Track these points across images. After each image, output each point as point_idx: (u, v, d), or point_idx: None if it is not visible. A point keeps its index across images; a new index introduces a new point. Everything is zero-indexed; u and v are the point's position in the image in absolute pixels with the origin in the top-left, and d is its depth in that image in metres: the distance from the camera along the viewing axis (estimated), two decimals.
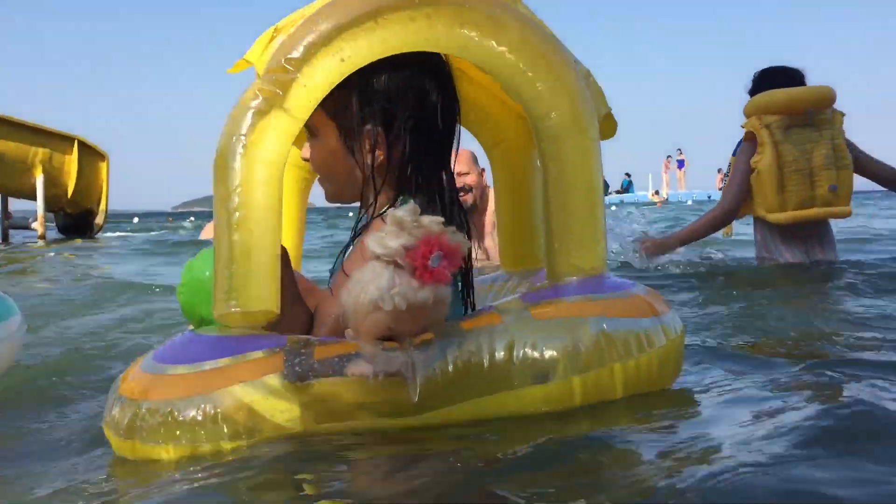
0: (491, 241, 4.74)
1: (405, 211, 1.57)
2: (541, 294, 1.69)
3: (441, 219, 1.57)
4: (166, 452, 1.49)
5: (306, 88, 1.65)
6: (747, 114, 4.67)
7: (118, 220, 30.33)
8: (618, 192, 38.25)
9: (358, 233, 1.83)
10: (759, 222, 4.79)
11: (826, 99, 4.52)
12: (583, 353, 1.59)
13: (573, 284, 1.70)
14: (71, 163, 13.61)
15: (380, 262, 1.57)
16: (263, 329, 1.64)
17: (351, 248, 1.83)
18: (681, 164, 38.23)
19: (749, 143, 4.64)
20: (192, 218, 36.53)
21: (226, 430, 1.49)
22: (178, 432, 1.49)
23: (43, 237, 13.34)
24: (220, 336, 1.60)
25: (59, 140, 13.61)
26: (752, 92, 4.75)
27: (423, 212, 1.56)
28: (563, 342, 1.59)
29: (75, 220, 14.34)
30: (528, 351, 1.59)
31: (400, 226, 1.56)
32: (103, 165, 14.30)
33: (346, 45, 1.66)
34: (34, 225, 13.68)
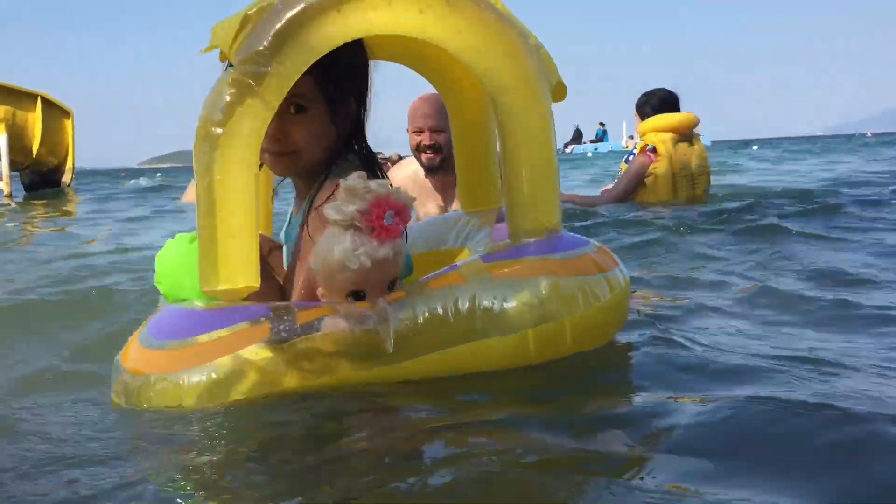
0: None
1: (354, 179, 1.75)
2: (500, 255, 1.88)
3: (387, 181, 1.77)
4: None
5: (277, 77, 1.79)
6: (643, 131, 6.37)
7: (84, 178, 29.80)
8: (592, 140, 38.87)
9: (310, 203, 1.98)
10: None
11: (696, 121, 6.35)
12: (536, 308, 1.78)
13: (530, 245, 1.88)
14: (35, 120, 13.38)
15: (339, 227, 1.75)
16: (245, 300, 1.81)
17: (308, 214, 1.99)
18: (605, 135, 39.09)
19: (644, 154, 6.32)
20: (160, 174, 36.08)
21: (222, 391, 1.67)
22: (184, 396, 1.68)
23: (9, 196, 13.21)
24: (209, 310, 1.77)
25: (22, 97, 13.33)
26: (640, 107, 6.50)
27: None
28: (519, 299, 1.78)
29: (42, 177, 14.17)
30: (488, 304, 1.78)
31: (352, 193, 1.74)
32: (68, 122, 14.04)
33: (312, 34, 1.80)
34: None
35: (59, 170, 14.31)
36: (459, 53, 1.89)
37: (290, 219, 2.11)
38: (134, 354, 1.80)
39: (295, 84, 1.80)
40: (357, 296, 1.82)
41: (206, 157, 1.78)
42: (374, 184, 1.75)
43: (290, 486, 1.39)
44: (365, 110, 2.08)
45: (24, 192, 14.29)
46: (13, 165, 13.67)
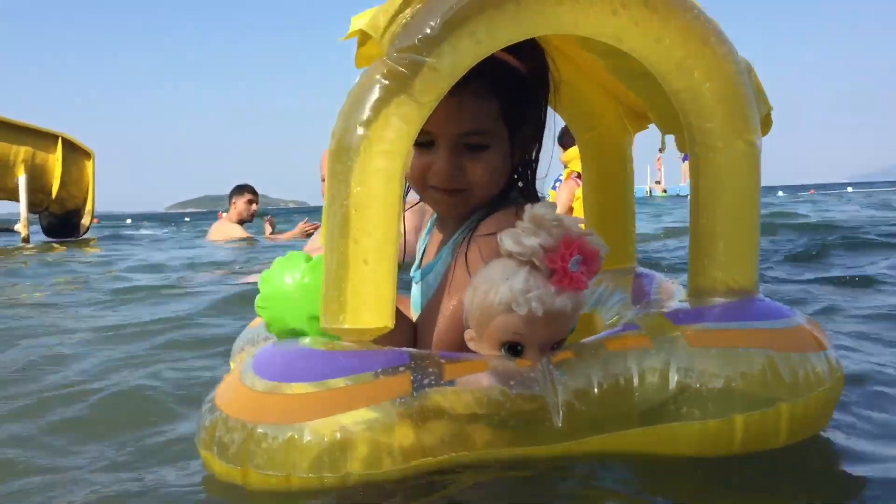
0: None
1: (544, 207, 1.43)
2: (691, 315, 1.49)
3: (582, 219, 1.43)
4: (287, 481, 1.27)
5: (437, 73, 1.45)
6: (567, 160, 6.66)
7: (109, 222, 29.66)
8: None
9: (471, 232, 1.64)
10: None
11: None
12: (748, 389, 1.39)
13: (728, 307, 1.51)
14: (55, 161, 13.11)
15: (513, 261, 1.42)
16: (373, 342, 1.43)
17: (463, 245, 1.64)
18: (686, 158, 38.25)
19: (571, 180, 6.73)
20: (188, 218, 36.07)
21: (350, 459, 1.26)
22: (299, 460, 1.26)
23: (27, 240, 12.93)
24: (337, 351, 1.38)
25: (43, 138, 13.13)
26: (561, 139, 6.53)
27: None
28: (725, 374, 1.39)
29: (60, 220, 13.92)
30: (685, 381, 1.39)
31: (539, 223, 1.41)
32: (89, 164, 13.84)
33: (483, 26, 1.46)
34: (17, 227, 13.23)
35: (78, 213, 14.03)
36: (656, 66, 1.55)
37: (422, 253, 1.74)
38: (234, 394, 1.39)
39: (475, 116, 1.53)
40: (514, 350, 1.45)
41: (341, 163, 1.43)
42: (567, 219, 1.42)
43: None
44: (540, 139, 1.74)
45: (43, 236, 13.99)
46: (32, 208, 13.42)
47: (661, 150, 2.07)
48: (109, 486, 1.51)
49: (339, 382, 1.31)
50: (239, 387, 1.38)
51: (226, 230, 9.20)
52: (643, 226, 9.87)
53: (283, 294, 1.51)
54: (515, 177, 1.74)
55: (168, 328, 3.32)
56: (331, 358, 1.36)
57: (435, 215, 1.84)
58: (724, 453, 1.40)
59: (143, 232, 17.43)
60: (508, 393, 1.35)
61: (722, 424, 1.38)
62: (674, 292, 2.01)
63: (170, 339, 3.05)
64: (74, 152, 13.58)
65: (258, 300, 1.54)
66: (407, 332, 1.57)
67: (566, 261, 1.40)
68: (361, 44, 1.65)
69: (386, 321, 1.41)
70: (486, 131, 1.62)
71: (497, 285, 1.42)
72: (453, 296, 1.57)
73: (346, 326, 1.39)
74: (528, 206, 1.45)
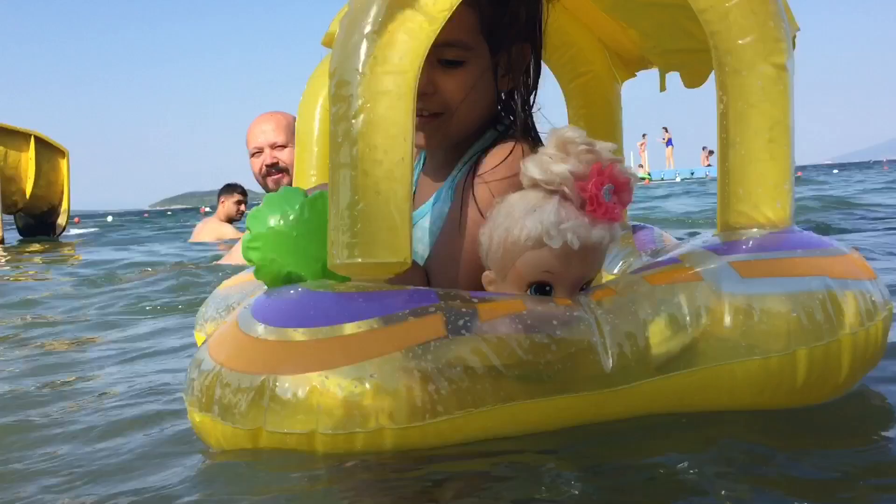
0: None
1: (573, 131, 1.28)
2: (735, 247, 1.35)
3: (614, 145, 1.30)
4: (308, 441, 1.06)
5: None
6: None
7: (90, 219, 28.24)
8: None
9: (473, 166, 1.47)
10: None
11: None
12: (809, 321, 1.25)
13: (772, 237, 1.37)
14: (28, 161, 12.65)
15: (538, 192, 1.27)
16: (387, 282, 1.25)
17: (458, 180, 1.48)
18: (669, 142, 37.80)
19: None
20: (169, 212, 33.83)
21: (383, 412, 1.07)
22: (324, 415, 1.06)
23: (1, 241, 12.42)
24: (354, 293, 1.19)
25: (14, 137, 12.72)
26: None
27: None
28: (784, 306, 1.25)
29: (36, 220, 13.41)
30: (742, 317, 1.24)
31: (567, 147, 1.26)
32: (63, 162, 13.51)
33: None
34: None
35: (54, 212, 13.62)
36: None
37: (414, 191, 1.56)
38: (232, 344, 1.18)
39: (449, 27, 1.30)
40: (542, 291, 1.29)
41: (346, 86, 1.24)
42: (599, 144, 1.27)
43: None
44: (538, 63, 1.56)
45: (18, 237, 13.46)
46: (6, 209, 12.95)
47: (661, 90, 1.96)
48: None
49: (363, 325, 1.12)
50: (240, 336, 1.16)
51: (217, 230, 8.69)
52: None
53: (277, 232, 1.29)
54: (500, 107, 1.57)
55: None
56: (349, 299, 1.17)
57: (423, 153, 1.66)
58: (785, 396, 1.26)
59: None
60: (553, 335, 1.18)
61: (784, 360, 1.24)
62: (678, 243, 1.89)
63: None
64: (48, 151, 13.22)
65: (246, 240, 1.31)
66: (417, 279, 1.39)
67: (599, 189, 1.25)
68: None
69: (405, 254, 1.22)
70: (461, 44, 1.44)
71: (522, 219, 1.26)
72: (464, 236, 1.40)
73: (360, 261, 1.20)
74: (554, 130, 1.30)
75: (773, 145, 1.42)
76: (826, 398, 1.30)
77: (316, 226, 1.28)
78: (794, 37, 1.54)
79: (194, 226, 9.50)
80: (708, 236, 1.47)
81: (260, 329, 1.15)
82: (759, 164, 1.42)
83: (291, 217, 1.29)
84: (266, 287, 1.33)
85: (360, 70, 1.24)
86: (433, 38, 1.28)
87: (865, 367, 1.35)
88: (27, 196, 12.71)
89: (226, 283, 1.84)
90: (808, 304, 1.26)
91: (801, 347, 1.24)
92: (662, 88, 1.99)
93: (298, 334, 1.11)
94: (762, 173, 1.42)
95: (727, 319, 1.23)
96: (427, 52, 1.27)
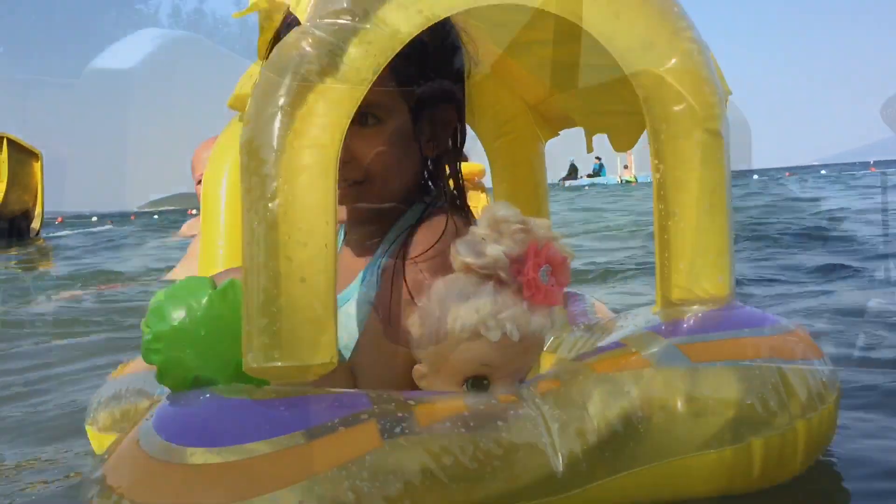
0: None
1: (505, 208, 1.18)
2: (679, 327, 1.28)
3: (548, 222, 1.21)
4: None
5: (371, 46, 1.18)
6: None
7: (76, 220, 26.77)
8: (589, 175, 37.09)
9: (401, 245, 1.35)
10: None
11: (483, 171, 6.06)
12: (764, 409, 1.18)
13: (715, 315, 1.31)
14: (0, 163, 12.09)
15: (471, 276, 1.17)
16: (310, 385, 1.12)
17: (387, 263, 1.35)
18: None
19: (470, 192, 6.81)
20: (156, 216, 29.71)
21: None
22: None
23: None
24: (269, 400, 1.05)
25: None
26: None
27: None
28: (737, 394, 1.18)
29: (9, 223, 12.71)
30: (696, 407, 1.16)
31: (500, 227, 1.16)
32: (37, 165, 13.07)
33: None
34: None
35: (28, 215, 12.95)
36: (618, 52, 1.35)
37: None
38: (130, 464, 1.01)
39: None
40: (479, 385, 1.18)
41: (258, 161, 1.11)
42: (534, 221, 1.18)
43: None
44: (464, 127, 1.47)
45: None
46: None
47: (588, 151, 1.91)
48: None
49: (284, 441, 0.98)
50: (140, 457, 1.00)
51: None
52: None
53: (181, 330, 1.14)
54: (426, 175, 1.47)
55: None
56: (267, 408, 1.03)
57: (342, 227, 1.54)
58: (742, 484, 1.18)
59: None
60: (498, 438, 1.07)
61: (739, 451, 1.16)
62: (609, 313, 1.82)
63: None
64: (21, 153, 12.67)
65: (146, 341, 1.15)
66: (342, 378, 1.25)
67: (536, 272, 1.16)
68: (264, 27, 1.35)
69: (331, 354, 1.09)
70: (376, 103, 1.33)
71: (456, 308, 1.15)
72: (395, 326, 1.28)
73: (280, 364, 1.07)
74: (489, 207, 1.20)
75: (714, 213, 1.37)
76: (784, 479, 1.24)
77: (227, 322, 1.13)
78: (727, 101, 1.50)
79: (179, 228, 9.56)
80: (647, 313, 1.40)
81: (161, 448, 0.99)
82: (700, 234, 1.36)
83: (198, 313, 1.14)
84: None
85: (276, 146, 1.11)
86: (356, 108, 1.17)
87: (820, 448, 1.29)
88: (0, 199, 12.24)
89: (119, 370, 1.66)
90: (760, 390, 1.19)
91: (757, 437, 1.17)
92: (589, 150, 1.93)
93: (205, 455, 0.96)
94: (704, 245, 1.36)
95: (680, 410, 1.15)
96: (348, 122, 1.16)
